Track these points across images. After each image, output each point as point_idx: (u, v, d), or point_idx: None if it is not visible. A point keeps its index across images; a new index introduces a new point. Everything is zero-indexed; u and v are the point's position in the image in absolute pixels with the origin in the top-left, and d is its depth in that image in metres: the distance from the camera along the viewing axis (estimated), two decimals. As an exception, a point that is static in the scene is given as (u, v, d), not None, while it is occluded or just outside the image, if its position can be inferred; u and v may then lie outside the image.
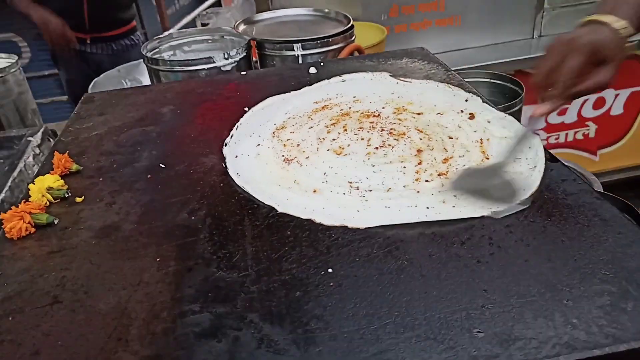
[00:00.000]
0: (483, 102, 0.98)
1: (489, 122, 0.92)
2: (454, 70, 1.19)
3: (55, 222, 0.76)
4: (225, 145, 0.92)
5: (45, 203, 0.80)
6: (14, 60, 2.03)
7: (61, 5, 2.53)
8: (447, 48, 2.28)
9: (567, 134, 2.58)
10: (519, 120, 1.33)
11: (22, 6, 2.41)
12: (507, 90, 1.42)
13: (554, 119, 2.52)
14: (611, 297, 0.56)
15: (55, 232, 0.75)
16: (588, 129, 2.57)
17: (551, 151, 1.52)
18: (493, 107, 0.97)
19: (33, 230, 0.75)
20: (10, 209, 0.75)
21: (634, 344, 0.51)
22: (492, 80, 1.46)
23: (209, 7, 3.22)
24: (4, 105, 2.00)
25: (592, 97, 2.49)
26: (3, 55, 2.12)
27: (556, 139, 2.59)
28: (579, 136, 2.58)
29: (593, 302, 0.56)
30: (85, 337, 0.58)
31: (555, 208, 0.70)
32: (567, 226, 0.67)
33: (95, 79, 1.90)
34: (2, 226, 0.74)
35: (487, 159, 0.82)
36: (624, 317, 0.54)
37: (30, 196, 0.80)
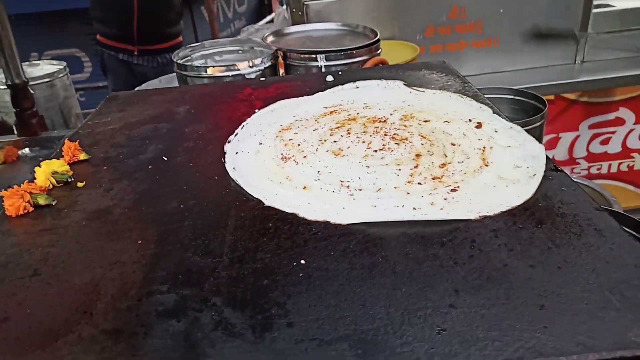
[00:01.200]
0: (494, 112, 0.96)
1: (496, 131, 0.89)
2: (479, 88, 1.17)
3: (53, 203, 0.79)
4: (229, 142, 0.93)
5: (49, 186, 0.83)
6: (62, 67, 2.14)
7: (112, 18, 2.67)
8: (484, 70, 2.25)
9: (610, 165, 2.46)
10: (540, 138, 1.29)
11: None
12: (529, 108, 1.38)
13: (596, 148, 2.42)
14: (591, 305, 0.52)
15: (51, 212, 0.78)
16: (633, 161, 2.45)
17: (593, 181, 1.45)
18: (504, 117, 0.94)
19: (31, 209, 0.78)
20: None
21: (605, 354, 0.47)
22: (514, 97, 1.42)
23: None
24: (50, 108, 2.11)
25: (639, 128, 2.38)
26: (54, 62, 2.24)
27: (598, 169, 2.48)
28: (624, 167, 2.46)
29: (570, 310, 0.52)
30: (54, 308, 0.59)
31: (548, 216, 0.67)
32: (557, 234, 0.63)
33: (137, 88, 1.98)
34: (3, 203, 0.77)
35: (487, 165, 0.79)
36: (601, 327, 0.50)
37: (35, 178, 0.84)
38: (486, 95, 1.41)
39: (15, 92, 1.77)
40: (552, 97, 2.31)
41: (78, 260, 0.67)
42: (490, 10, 2.14)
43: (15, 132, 1.85)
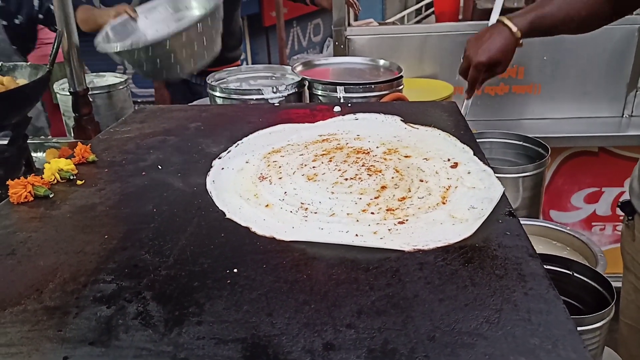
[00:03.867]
0: (474, 154, 0.97)
1: (469, 173, 0.91)
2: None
3: (50, 195, 0.89)
4: (219, 158, 1.01)
5: (53, 180, 0.94)
6: (122, 80, 2.34)
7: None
8: (524, 116, 2.22)
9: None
10: (540, 184, 1.28)
11: None
12: (533, 153, 1.36)
13: None
14: (480, 342, 0.54)
15: (46, 203, 0.88)
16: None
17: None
18: (482, 160, 0.95)
19: (31, 198, 0.88)
20: (20, 179, 0.90)
21: (470, 388, 0.49)
22: (518, 142, 1.41)
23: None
24: (107, 116, 2.29)
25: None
26: (118, 75, 2.45)
27: None
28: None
29: (456, 344, 0.54)
30: (14, 283, 0.67)
31: (479, 256, 0.68)
32: (479, 274, 0.65)
33: (190, 104, 2.14)
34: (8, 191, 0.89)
35: (444, 203, 0.81)
36: (479, 363, 0.51)
37: (43, 173, 0.95)
38: (493, 140, 1.42)
39: (76, 99, 1.96)
40: (595, 149, 2.24)
41: (50, 245, 0.75)
42: (534, 56, 2.13)
43: (72, 134, 2.04)
